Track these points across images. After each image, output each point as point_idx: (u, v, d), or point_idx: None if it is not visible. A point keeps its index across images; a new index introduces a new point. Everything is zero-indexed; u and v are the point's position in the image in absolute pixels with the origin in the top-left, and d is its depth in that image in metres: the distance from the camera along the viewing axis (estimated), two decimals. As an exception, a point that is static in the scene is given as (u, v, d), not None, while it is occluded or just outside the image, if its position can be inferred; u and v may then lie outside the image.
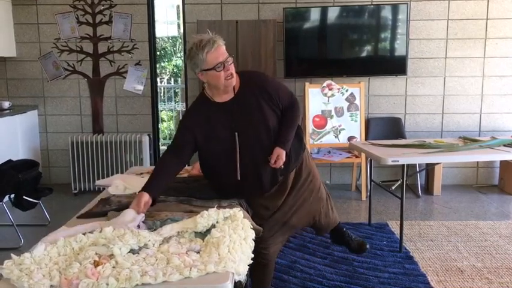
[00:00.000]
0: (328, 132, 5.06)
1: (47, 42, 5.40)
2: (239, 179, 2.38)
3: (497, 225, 4.18)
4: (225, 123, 2.34)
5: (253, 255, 1.88)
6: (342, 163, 5.31)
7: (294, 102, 2.50)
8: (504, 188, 5.28)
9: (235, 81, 2.32)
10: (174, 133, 2.45)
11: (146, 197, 2.18)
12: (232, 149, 2.35)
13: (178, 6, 8.83)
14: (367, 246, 2.92)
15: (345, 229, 2.97)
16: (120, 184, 2.73)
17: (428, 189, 5.30)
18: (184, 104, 6.01)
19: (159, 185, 2.29)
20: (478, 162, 5.47)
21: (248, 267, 1.78)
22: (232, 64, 2.28)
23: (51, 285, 1.52)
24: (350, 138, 5.02)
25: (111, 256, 1.67)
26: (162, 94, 8.06)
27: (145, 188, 2.23)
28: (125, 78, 5.45)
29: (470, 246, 3.71)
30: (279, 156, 2.36)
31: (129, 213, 2.06)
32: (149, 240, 1.79)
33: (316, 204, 2.69)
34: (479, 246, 3.71)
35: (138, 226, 1.97)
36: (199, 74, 2.29)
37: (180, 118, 2.44)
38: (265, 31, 4.92)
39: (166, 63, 9.38)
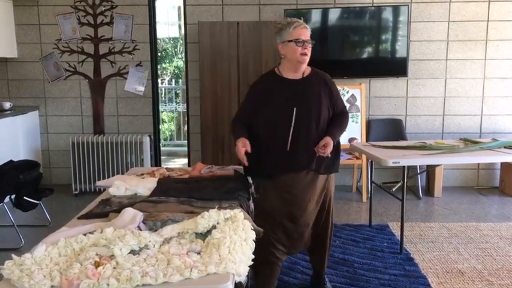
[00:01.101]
0: (329, 133, 5.05)
1: (48, 43, 5.41)
2: (288, 150, 2.57)
3: (497, 227, 4.17)
4: (287, 96, 2.60)
5: (261, 255, 2.03)
6: (343, 164, 5.29)
7: (346, 112, 2.80)
8: (505, 190, 5.28)
9: (307, 61, 2.61)
10: (241, 104, 2.83)
11: (246, 140, 2.54)
12: (286, 121, 2.57)
13: (179, 8, 8.85)
14: None
15: (325, 278, 3.05)
16: (120, 185, 2.73)
17: (429, 190, 5.30)
18: (185, 105, 6.01)
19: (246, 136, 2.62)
20: (478, 164, 5.47)
21: (249, 268, 1.78)
22: (310, 49, 2.58)
23: (51, 286, 1.52)
24: (351, 140, 5.02)
25: (112, 257, 1.67)
26: (163, 95, 8.07)
27: (241, 136, 2.57)
28: (125, 79, 5.45)
29: (470, 248, 3.71)
30: (327, 144, 2.55)
31: (128, 212, 2.06)
32: (150, 241, 1.79)
33: (322, 228, 2.83)
34: (480, 248, 3.71)
35: (139, 227, 1.97)
36: (280, 46, 2.61)
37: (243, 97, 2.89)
38: (266, 32, 4.92)
39: (168, 64, 9.39)
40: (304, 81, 2.64)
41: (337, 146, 2.73)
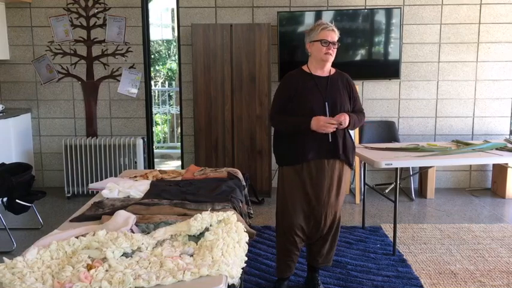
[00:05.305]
0: (322, 135, 5.06)
1: (40, 45, 5.39)
2: (330, 140, 2.78)
3: (489, 228, 4.20)
4: (318, 90, 2.79)
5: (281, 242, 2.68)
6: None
7: (363, 112, 3.02)
8: (497, 191, 5.31)
9: (331, 60, 2.82)
10: (276, 98, 2.92)
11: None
12: (322, 113, 2.75)
13: (172, 10, 8.85)
14: None
15: (319, 280, 3.12)
16: (113, 187, 2.73)
17: (421, 192, 5.32)
18: (178, 107, 6.00)
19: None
20: (470, 165, 5.50)
21: (242, 269, 1.78)
22: (335, 50, 2.81)
23: (43, 289, 1.51)
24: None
25: (104, 259, 1.67)
26: (156, 97, 8.05)
27: (307, 120, 2.71)
28: (119, 81, 5.44)
29: (463, 249, 3.73)
30: (344, 119, 2.72)
31: (121, 215, 2.06)
32: (142, 244, 1.79)
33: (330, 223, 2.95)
34: (472, 249, 3.73)
35: (132, 230, 1.97)
36: (308, 45, 2.84)
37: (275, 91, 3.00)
38: (260, 35, 4.93)
39: (161, 66, 9.38)
40: (330, 78, 2.86)
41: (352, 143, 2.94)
